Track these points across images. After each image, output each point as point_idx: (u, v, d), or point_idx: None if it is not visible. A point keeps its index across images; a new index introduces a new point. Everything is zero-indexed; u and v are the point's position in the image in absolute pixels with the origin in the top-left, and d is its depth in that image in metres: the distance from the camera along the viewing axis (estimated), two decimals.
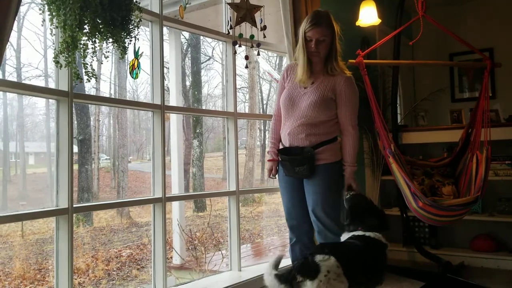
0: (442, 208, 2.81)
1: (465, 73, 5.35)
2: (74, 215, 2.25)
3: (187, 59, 10.35)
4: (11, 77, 8.11)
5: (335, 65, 2.48)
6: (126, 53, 2.10)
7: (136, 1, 2.13)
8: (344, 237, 2.18)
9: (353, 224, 2.19)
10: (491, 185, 3.50)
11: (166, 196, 2.68)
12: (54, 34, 2.11)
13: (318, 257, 1.87)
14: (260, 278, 3.07)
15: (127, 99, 10.09)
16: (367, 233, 2.12)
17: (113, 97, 9.17)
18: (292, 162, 2.45)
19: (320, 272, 1.83)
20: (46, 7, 1.89)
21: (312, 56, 2.46)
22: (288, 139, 2.52)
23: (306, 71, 2.46)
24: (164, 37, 2.78)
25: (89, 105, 8.45)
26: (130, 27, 2.07)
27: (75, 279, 5.36)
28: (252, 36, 3.00)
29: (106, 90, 9.73)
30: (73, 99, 2.22)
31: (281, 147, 2.61)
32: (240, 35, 3.01)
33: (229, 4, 2.97)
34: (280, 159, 2.55)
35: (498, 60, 3.46)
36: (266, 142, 12.36)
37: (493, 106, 4.01)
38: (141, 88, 11.33)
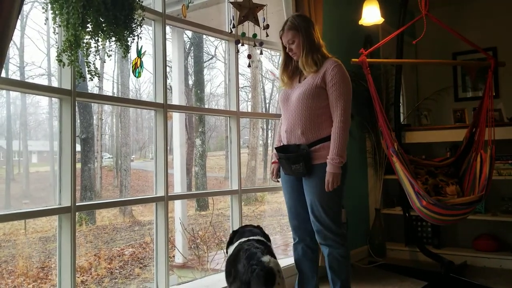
0: (446, 207, 2.81)
1: (468, 73, 5.34)
2: (77, 213, 2.25)
3: (189, 58, 10.33)
4: (14, 75, 8.11)
5: (319, 56, 2.47)
6: (129, 52, 2.10)
7: (139, 0, 2.13)
8: (235, 245, 2.31)
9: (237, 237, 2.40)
10: (494, 184, 3.49)
11: (169, 194, 2.69)
12: (57, 33, 2.10)
13: (265, 259, 2.00)
14: None
15: (130, 98, 10.09)
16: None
17: (116, 96, 9.16)
18: (288, 160, 2.45)
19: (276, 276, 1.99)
20: (49, 6, 1.89)
21: (293, 57, 2.56)
22: (285, 136, 2.53)
23: (282, 70, 2.62)
24: (167, 36, 2.78)
25: (92, 104, 8.43)
26: (133, 26, 2.07)
27: (78, 277, 5.37)
28: (254, 35, 2.99)
29: (109, 88, 9.72)
30: (76, 97, 2.22)
31: None
32: (243, 34, 3.01)
33: (231, 3, 2.96)
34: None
35: (502, 59, 3.45)
36: (269, 141, 12.34)
37: (496, 105, 3.99)
38: (144, 87, 11.32)
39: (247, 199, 9.85)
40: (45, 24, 1.96)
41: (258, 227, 2.55)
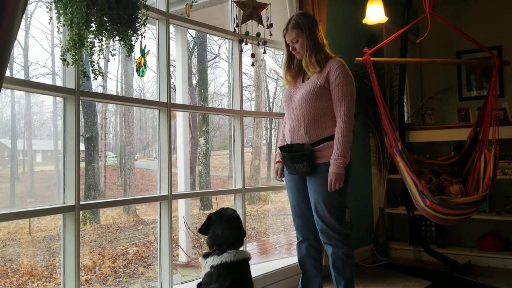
0: (450, 207, 2.80)
1: (473, 71, 5.32)
2: (81, 212, 2.25)
3: (193, 57, 10.35)
4: (19, 75, 8.15)
5: (322, 56, 2.46)
6: (132, 51, 2.10)
7: None
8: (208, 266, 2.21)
9: None
10: (499, 184, 3.48)
11: (172, 193, 2.69)
12: (61, 32, 2.11)
13: None
14: (265, 276, 3.07)
15: (134, 97, 10.11)
16: None
17: (119, 95, 9.18)
18: (291, 159, 2.44)
19: None
20: (53, 5, 1.89)
21: (296, 56, 2.54)
22: (289, 135, 2.53)
23: (285, 69, 2.61)
24: (171, 35, 2.78)
25: (96, 103, 8.46)
26: (137, 25, 2.07)
27: (82, 276, 5.40)
28: (258, 34, 2.99)
29: (113, 88, 9.76)
30: (80, 96, 2.22)
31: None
32: (247, 33, 3.01)
33: (235, 2, 2.96)
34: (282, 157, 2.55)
35: (506, 58, 3.43)
36: (272, 140, 12.34)
37: (501, 104, 3.98)
38: (147, 86, 11.36)
39: (251, 198, 9.86)
40: (49, 23, 1.98)
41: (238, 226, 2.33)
